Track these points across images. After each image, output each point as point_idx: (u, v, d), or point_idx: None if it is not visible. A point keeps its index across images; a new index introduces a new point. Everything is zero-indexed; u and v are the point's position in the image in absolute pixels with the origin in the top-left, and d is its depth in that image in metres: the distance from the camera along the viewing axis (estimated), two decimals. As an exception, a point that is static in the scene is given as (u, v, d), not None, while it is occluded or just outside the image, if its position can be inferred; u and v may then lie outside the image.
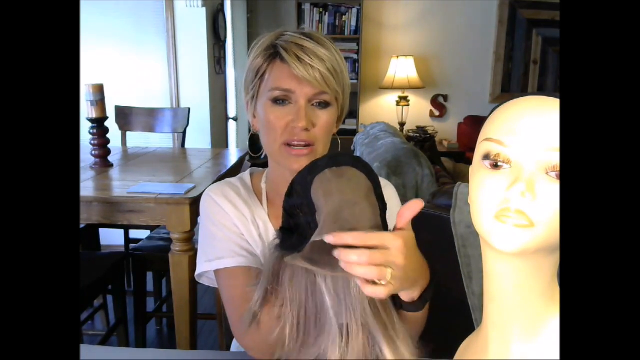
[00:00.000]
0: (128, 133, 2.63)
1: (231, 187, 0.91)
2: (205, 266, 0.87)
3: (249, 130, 0.94)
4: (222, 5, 3.38)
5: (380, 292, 0.54)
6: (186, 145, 2.65)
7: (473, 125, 4.25)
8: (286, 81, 0.81)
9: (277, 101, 0.82)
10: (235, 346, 1.04)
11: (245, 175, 0.96)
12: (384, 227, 0.59)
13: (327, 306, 0.58)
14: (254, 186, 0.94)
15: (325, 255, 0.54)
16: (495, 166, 0.48)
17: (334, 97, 0.84)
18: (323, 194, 0.58)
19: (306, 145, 0.83)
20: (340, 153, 0.63)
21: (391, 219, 0.61)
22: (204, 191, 0.94)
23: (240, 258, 0.85)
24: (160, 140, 2.92)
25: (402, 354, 0.57)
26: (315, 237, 0.54)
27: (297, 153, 0.82)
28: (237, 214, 0.88)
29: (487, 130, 0.50)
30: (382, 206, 0.60)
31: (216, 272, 0.88)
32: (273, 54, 0.83)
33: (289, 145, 0.83)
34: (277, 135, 0.83)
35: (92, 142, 1.95)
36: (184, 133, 2.63)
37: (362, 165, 0.62)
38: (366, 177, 0.60)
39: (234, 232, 0.88)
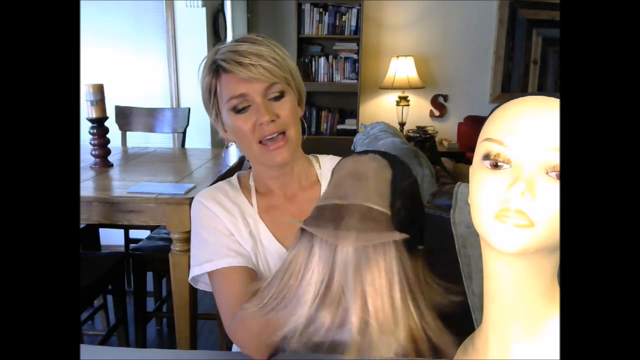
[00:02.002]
0: (128, 133, 2.63)
1: (219, 190, 0.95)
2: (196, 270, 0.89)
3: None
4: (222, 5, 3.38)
5: None
6: (186, 145, 2.65)
7: (473, 125, 4.24)
8: (236, 87, 0.85)
9: (237, 109, 0.86)
10: (236, 346, 1.04)
11: (233, 178, 1.00)
12: (395, 221, 0.56)
13: (313, 271, 0.57)
14: (242, 185, 0.97)
15: (323, 220, 0.56)
16: (495, 166, 0.48)
17: (286, 84, 0.87)
18: (338, 167, 0.61)
19: (279, 134, 0.86)
20: (381, 151, 0.64)
21: None
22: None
23: (230, 259, 0.87)
24: (160, 140, 2.92)
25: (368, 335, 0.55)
26: (318, 202, 0.57)
27: (275, 147, 0.86)
28: (227, 214, 0.91)
29: (487, 130, 0.50)
30: (401, 201, 0.58)
31: (209, 274, 0.89)
32: (216, 69, 0.87)
33: (262, 143, 0.86)
34: (250, 137, 0.86)
35: (92, 142, 1.95)
36: (184, 133, 2.63)
37: (390, 158, 0.62)
38: (390, 167, 0.60)
39: (224, 234, 0.90)
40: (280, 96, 0.86)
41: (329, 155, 1.02)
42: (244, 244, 0.90)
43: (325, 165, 0.99)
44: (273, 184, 0.95)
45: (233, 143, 0.94)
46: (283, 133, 0.86)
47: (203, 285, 0.95)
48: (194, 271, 0.89)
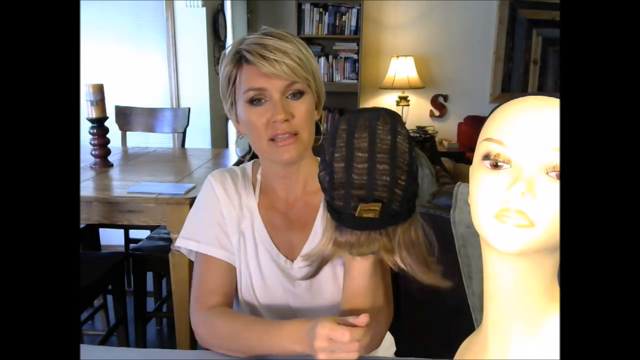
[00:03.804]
0: (128, 133, 2.63)
1: (231, 174, 0.97)
2: (181, 242, 0.94)
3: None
4: (222, 5, 3.38)
5: None
6: (186, 145, 2.65)
7: (473, 125, 4.24)
8: (256, 80, 0.83)
9: (253, 102, 0.85)
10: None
11: (248, 165, 1.00)
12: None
13: None
14: (253, 176, 0.98)
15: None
16: (495, 166, 0.48)
17: (307, 85, 0.86)
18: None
19: (291, 135, 0.85)
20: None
21: None
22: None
23: (214, 249, 0.92)
24: (160, 140, 2.92)
25: None
26: None
27: (284, 144, 0.85)
28: (227, 201, 0.94)
29: (487, 130, 0.50)
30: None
31: (196, 252, 0.94)
32: (239, 59, 0.85)
33: (274, 140, 0.85)
34: (261, 133, 0.85)
35: (92, 142, 1.95)
36: (184, 133, 2.63)
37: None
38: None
39: (218, 222, 0.93)
40: (299, 96, 0.85)
41: None
42: (231, 237, 0.93)
43: None
44: (278, 184, 0.94)
45: (245, 135, 0.93)
46: (295, 134, 0.85)
47: (185, 251, 0.98)
48: (180, 242, 0.94)
